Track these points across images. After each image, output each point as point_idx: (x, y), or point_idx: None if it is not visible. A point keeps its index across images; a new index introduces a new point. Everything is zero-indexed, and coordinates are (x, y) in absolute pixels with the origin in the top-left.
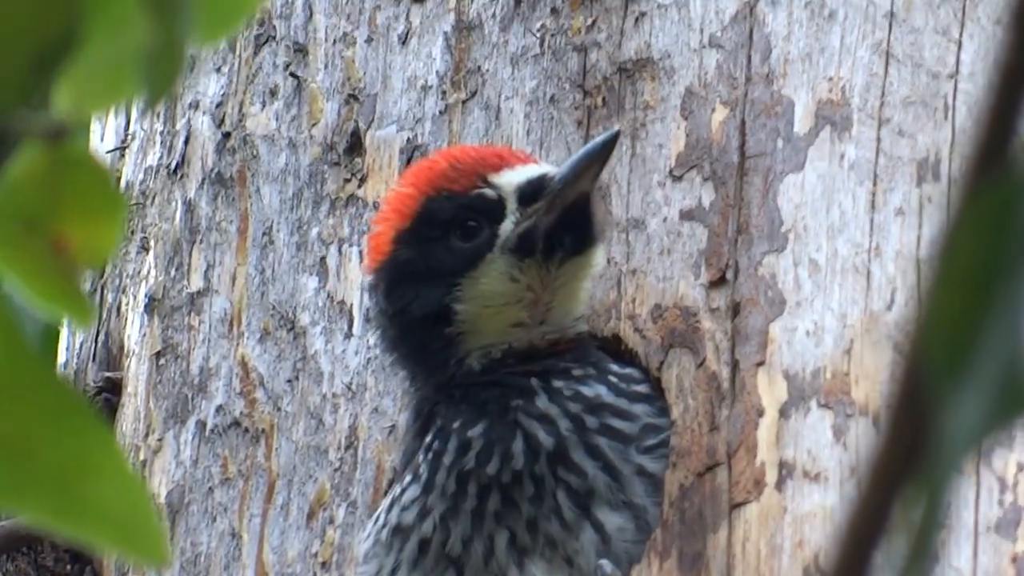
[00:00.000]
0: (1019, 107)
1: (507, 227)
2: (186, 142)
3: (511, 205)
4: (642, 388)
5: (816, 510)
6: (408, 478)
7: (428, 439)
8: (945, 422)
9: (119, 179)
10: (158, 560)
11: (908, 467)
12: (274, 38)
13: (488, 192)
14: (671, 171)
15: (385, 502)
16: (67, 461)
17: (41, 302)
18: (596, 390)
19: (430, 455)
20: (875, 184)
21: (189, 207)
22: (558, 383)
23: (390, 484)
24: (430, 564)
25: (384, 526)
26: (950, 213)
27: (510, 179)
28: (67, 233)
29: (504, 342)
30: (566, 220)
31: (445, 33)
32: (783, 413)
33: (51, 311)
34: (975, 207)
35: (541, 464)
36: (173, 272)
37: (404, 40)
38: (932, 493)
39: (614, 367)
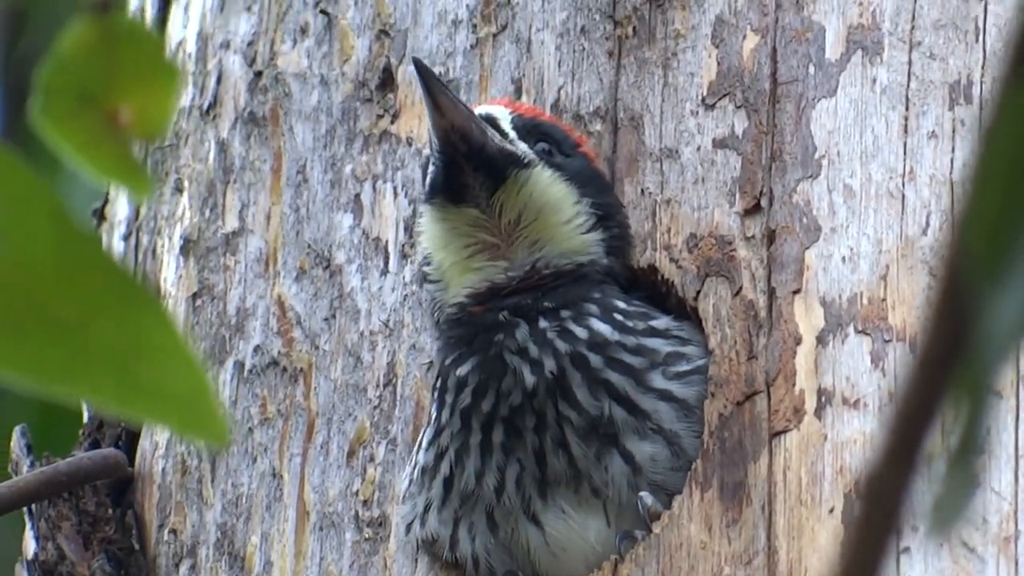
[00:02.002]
0: None
1: (428, 178)
2: (218, 82)
3: (432, 154)
4: (659, 323)
5: (856, 436)
6: (427, 421)
7: (434, 379)
8: (987, 319)
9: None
10: (218, 438)
11: (952, 367)
12: None
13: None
14: (703, 100)
15: (417, 442)
16: (124, 342)
17: (100, 174)
18: (598, 327)
19: (435, 395)
20: (907, 108)
21: (222, 147)
22: (543, 323)
23: (428, 420)
24: (456, 502)
25: (415, 466)
26: (988, 113)
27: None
28: (122, 104)
29: (470, 286)
30: (461, 160)
31: None
32: (820, 340)
33: (110, 182)
34: (1011, 104)
35: (540, 399)
36: (208, 213)
37: None
38: (976, 390)
39: (620, 304)
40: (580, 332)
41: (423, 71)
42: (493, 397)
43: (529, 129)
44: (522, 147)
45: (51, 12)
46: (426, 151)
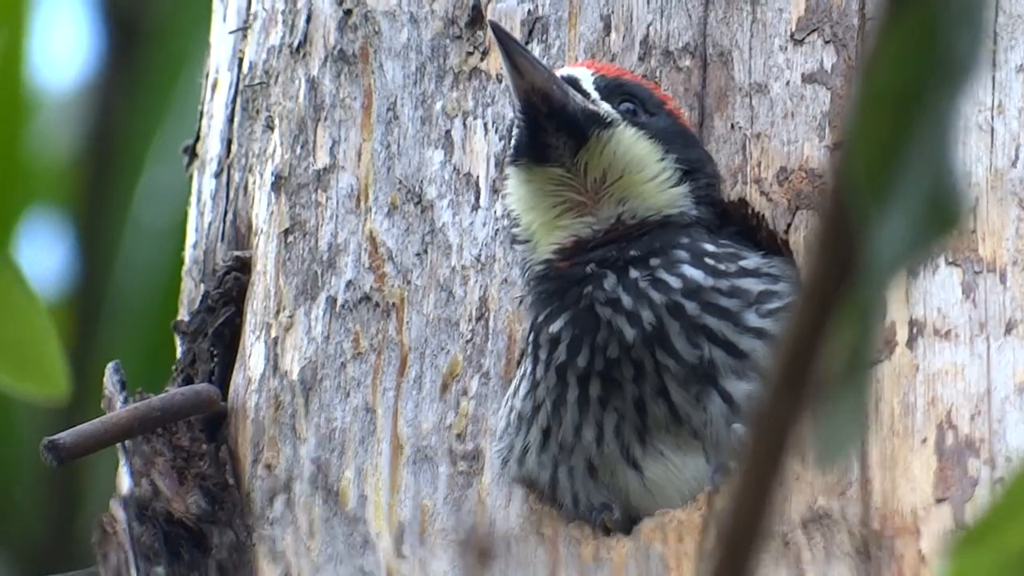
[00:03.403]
0: None
1: (512, 140)
2: (308, 20)
3: (515, 115)
4: (749, 262)
5: (947, 367)
6: (522, 368)
7: (527, 333)
8: (872, 244)
9: (241, 59)
10: (56, 393)
11: (838, 294)
12: None
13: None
14: (792, 35)
15: (512, 384)
16: None
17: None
18: (691, 274)
19: (529, 348)
20: (995, 43)
21: (313, 85)
22: (634, 273)
23: (522, 355)
24: (555, 449)
25: (512, 410)
26: (869, 42)
27: None
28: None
29: (556, 241)
30: (543, 120)
31: None
32: (911, 271)
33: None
34: (895, 30)
35: (638, 350)
36: (299, 150)
37: None
38: (864, 312)
39: (709, 247)
40: (673, 281)
41: (500, 34)
42: (588, 352)
43: (612, 89)
44: (604, 106)
45: None
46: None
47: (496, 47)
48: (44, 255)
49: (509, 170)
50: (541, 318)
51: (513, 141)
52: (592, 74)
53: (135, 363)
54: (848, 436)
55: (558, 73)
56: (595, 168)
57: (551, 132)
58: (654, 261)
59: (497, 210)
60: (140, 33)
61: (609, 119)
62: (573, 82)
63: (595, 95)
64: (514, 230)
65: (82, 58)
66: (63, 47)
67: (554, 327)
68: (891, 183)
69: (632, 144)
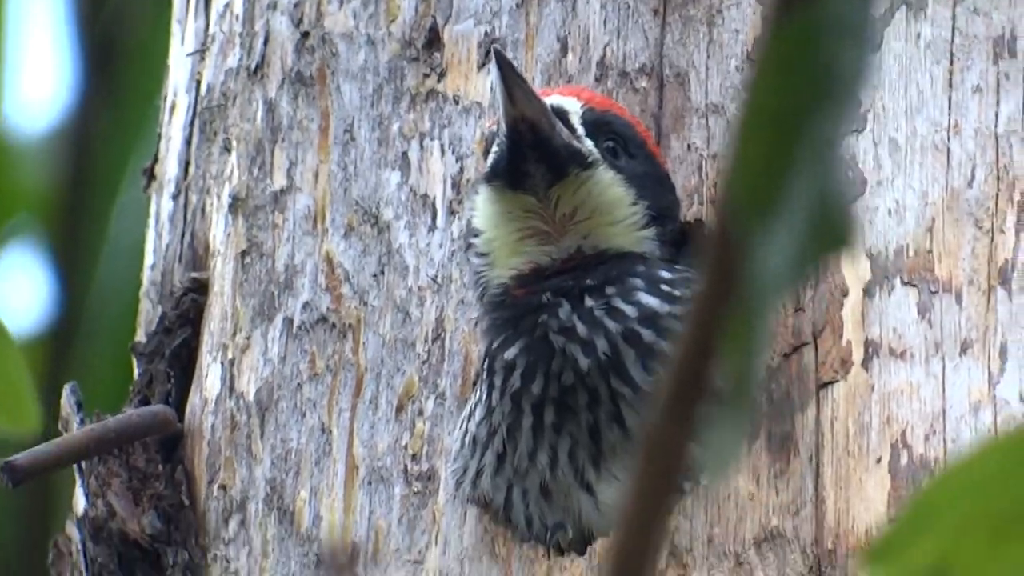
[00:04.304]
0: None
1: (488, 159)
2: (265, 43)
3: (498, 137)
4: None
5: (903, 387)
6: (478, 392)
7: (482, 357)
8: (757, 263)
9: (199, 81)
10: (25, 425)
11: (724, 315)
12: None
13: (494, 126)
14: (748, 56)
15: (468, 405)
16: None
17: None
18: (647, 301)
19: (484, 374)
20: (952, 63)
21: (270, 107)
22: (589, 302)
23: (477, 378)
24: (509, 472)
25: (466, 432)
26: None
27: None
28: None
29: (514, 267)
30: (525, 149)
31: None
32: (867, 292)
33: None
34: (778, 44)
35: (593, 378)
36: (256, 171)
37: None
38: (748, 332)
39: (665, 274)
40: (629, 309)
41: (502, 61)
42: (543, 379)
43: (599, 125)
44: (588, 145)
45: None
46: (484, 124)
47: (494, 73)
48: (23, 283)
49: (481, 188)
50: (496, 345)
51: (490, 160)
52: (581, 106)
53: (112, 386)
54: (731, 453)
55: (548, 100)
56: (567, 204)
57: (531, 161)
58: (610, 290)
59: (454, 231)
60: (118, 54)
61: (590, 160)
62: (561, 114)
63: (581, 130)
64: (473, 240)
65: (59, 85)
66: (40, 71)
67: (509, 354)
68: (775, 202)
69: (607, 188)
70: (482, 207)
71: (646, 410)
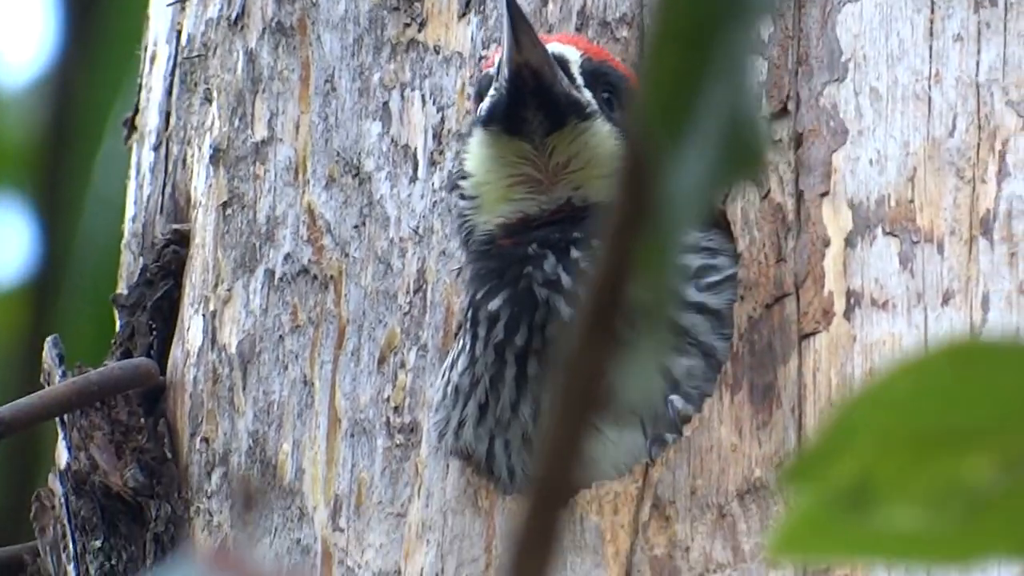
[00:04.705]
0: None
1: (484, 102)
2: None
3: (494, 81)
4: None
5: (885, 338)
6: (460, 343)
7: (464, 308)
8: (668, 183)
9: (179, 32)
10: None
11: (636, 237)
12: None
13: (491, 69)
14: None
15: (450, 356)
16: None
17: None
18: None
19: (467, 324)
20: (932, 11)
21: (251, 57)
22: (575, 253)
23: (459, 328)
24: (491, 422)
25: (448, 383)
26: None
27: (499, 55)
28: None
29: (502, 215)
30: (527, 94)
31: None
32: (849, 242)
33: None
34: None
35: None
36: (237, 122)
37: None
38: (661, 252)
39: None
40: None
41: (512, 5)
42: (526, 331)
43: (597, 76)
44: (587, 95)
45: None
46: (465, 74)
47: (503, 15)
48: (5, 234)
49: (475, 131)
50: (480, 295)
51: (487, 104)
52: (580, 55)
53: (93, 338)
54: (647, 375)
55: (549, 48)
56: (561, 153)
57: (531, 108)
58: (596, 242)
59: (435, 182)
60: (97, 3)
61: (589, 110)
62: (562, 62)
63: (580, 80)
64: (460, 183)
65: (40, 37)
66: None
67: (492, 305)
68: (686, 121)
69: (603, 140)
70: (475, 150)
71: (564, 336)
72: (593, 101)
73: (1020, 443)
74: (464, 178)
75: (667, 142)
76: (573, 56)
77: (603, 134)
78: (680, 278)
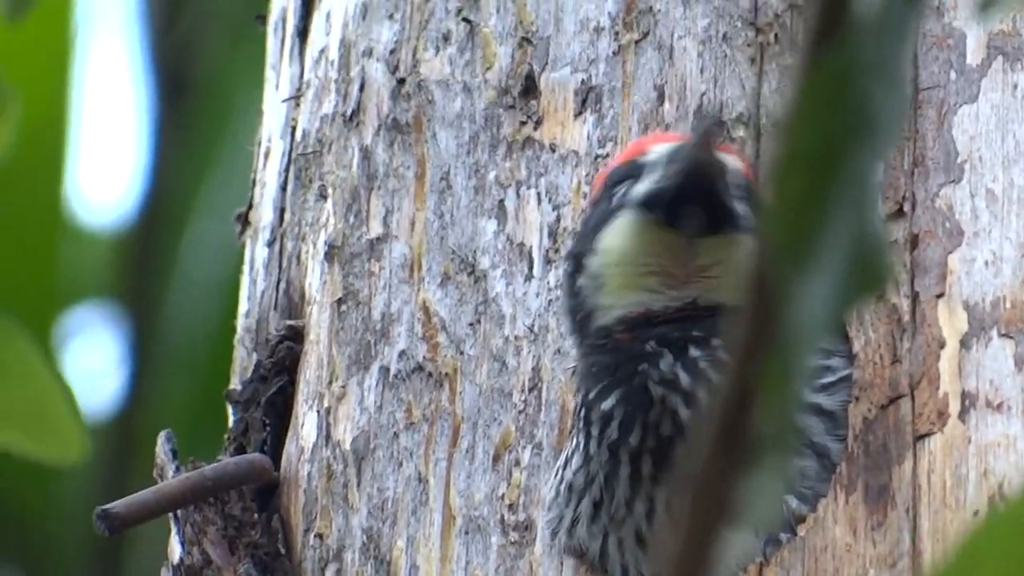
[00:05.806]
0: None
1: (640, 186)
2: (361, 89)
3: (654, 169)
4: None
5: (1000, 439)
6: (574, 441)
7: (578, 406)
8: (794, 309)
9: (294, 128)
10: (72, 454)
11: (762, 359)
12: None
13: (640, 157)
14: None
15: (564, 454)
16: None
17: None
18: None
19: (580, 424)
20: None
21: (366, 154)
22: (694, 352)
23: (572, 426)
24: (605, 520)
25: (562, 481)
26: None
27: (664, 147)
28: None
29: (625, 305)
30: (694, 192)
31: None
32: (964, 344)
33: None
34: (811, 85)
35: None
36: (352, 219)
37: None
38: (786, 375)
39: None
40: None
41: (710, 122)
42: (640, 430)
43: (749, 194)
44: (743, 210)
45: None
46: (580, 172)
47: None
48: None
49: (629, 212)
50: (593, 395)
51: (647, 189)
52: (740, 169)
53: (183, 418)
54: (774, 495)
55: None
56: (707, 257)
57: (695, 205)
58: (716, 342)
59: (550, 280)
60: (188, 86)
61: (743, 223)
62: (730, 172)
63: (737, 192)
64: (587, 261)
65: (133, 177)
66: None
67: (606, 405)
68: (811, 244)
69: (746, 254)
70: (621, 232)
71: (689, 456)
72: (748, 216)
73: None
74: (588, 255)
75: (792, 264)
76: (735, 167)
77: (748, 249)
78: (802, 394)
